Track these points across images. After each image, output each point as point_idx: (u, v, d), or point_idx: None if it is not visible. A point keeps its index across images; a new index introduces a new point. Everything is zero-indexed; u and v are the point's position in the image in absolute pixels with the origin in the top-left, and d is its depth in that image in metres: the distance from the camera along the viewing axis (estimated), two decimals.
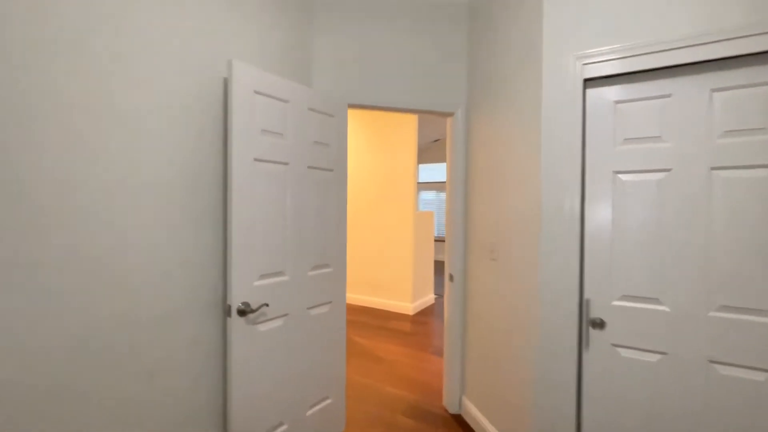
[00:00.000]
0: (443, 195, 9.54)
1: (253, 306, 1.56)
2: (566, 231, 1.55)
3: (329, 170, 1.94)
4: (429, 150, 9.49)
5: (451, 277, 2.32)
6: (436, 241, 9.43)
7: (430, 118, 6.25)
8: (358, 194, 4.90)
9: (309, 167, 1.81)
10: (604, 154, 1.50)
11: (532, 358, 1.64)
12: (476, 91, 2.18)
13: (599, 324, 1.51)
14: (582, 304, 1.54)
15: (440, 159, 9.50)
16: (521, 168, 1.74)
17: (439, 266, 8.49)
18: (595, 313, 1.52)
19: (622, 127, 1.47)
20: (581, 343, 1.55)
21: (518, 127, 1.76)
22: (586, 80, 1.52)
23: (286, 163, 1.70)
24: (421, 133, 7.22)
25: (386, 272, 4.69)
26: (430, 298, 5.01)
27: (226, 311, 1.52)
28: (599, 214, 1.51)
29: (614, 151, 1.48)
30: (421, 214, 4.78)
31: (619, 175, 1.48)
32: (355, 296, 4.93)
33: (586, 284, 1.54)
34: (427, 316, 4.47)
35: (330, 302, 1.96)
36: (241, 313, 1.50)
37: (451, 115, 2.33)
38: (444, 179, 9.48)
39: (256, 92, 1.56)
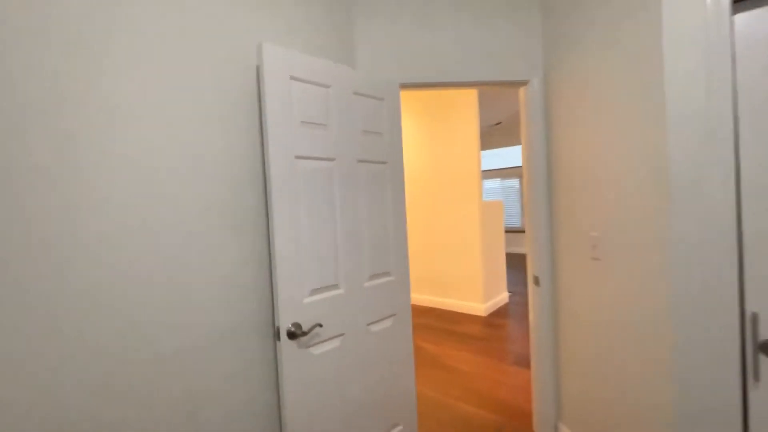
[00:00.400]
0: (510, 182, 8.84)
1: (305, 327, 1.35)
2: (716, 219, 1.10)
3: (382, 163, 1.67)
4: (490, 134, 8.84)
5: (537, 280, 1.93)
6: (506, 232, 8.79)
7: (490, 97, 5.72)
8: (417, 185, 4.59)
9: (359, 161, 1.56)
10: None
11: (666, 390, 1.22)
12: (558, 52, 1.75)
13: None
14: (744, 321, 1.09)
15: (504, 143, 8.80)
16: (635, 138, 1.30)
17: (511, 259, 7.88)
18: (767, 332, 1.06)
19: None
20: (745, 375, 1.10)
21: (627, 84, 1.33)
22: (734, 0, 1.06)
23: (332, 159, 1.46)
24: (481, 116, 6.69)
25: (453, 269, 4.34)
26: (503, 296, 4.55)
27: (275, 334, 1.32)
28: None
29: None
30: (489, 203, 4.33)
31: None
32: (419, 296, 4.65)
33: (750, 292, 1.08)
34: (502, 317, 4.04)
35: (393, 315, 1.70)
36: (292, 335, 1.29)
37: (524, 84, 1.92)
38: (509, 165, 8.76)
39: (293, 78, 1.34)
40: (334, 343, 1.45)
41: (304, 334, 1.30)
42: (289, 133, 1.32)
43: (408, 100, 4.59)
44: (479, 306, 4.13)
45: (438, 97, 4.32)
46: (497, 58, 1.87)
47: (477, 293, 4.15)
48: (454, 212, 4.27)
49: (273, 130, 1.27)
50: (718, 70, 1.08)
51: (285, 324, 1.29)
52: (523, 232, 8.55)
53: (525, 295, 4.85)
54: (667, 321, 1.20)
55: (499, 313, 4.16)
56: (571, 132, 1.67)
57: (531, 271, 1.99)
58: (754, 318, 1.07)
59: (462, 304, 4.27)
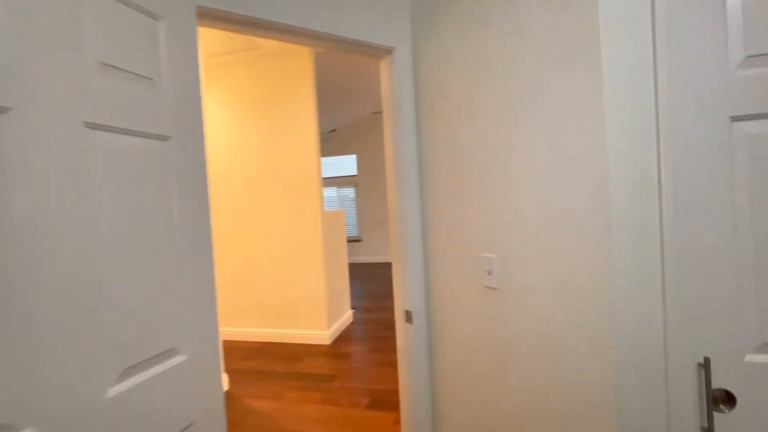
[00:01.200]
0: (346, 191, 8.68)
1: None
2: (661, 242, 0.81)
3: (159, 138, 0.86)
4: (326, 141, 8.51)
5: (409, 316, 1.45)
6: (349, 241, 8.56)
7: (327, 102, 5.31)
8: (240, 191, 3.68)
9: (88, 125, 0.71)
10: (712, 88, 0.80)
11: None
12: (433, 14, 1.33)
13: (725, 400, 0.82)
14: (700, 367, 0.83)
15: (339, 151, 8.60)
16: (567, 136, 0.95)
17: (352, 270, 7.62)
18: (720, 380, 0.82)
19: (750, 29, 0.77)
20: None
21: (561, 63, 0.97)
22: None
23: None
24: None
25: (292, 293, 3.61)
26: (348, 316, 4.10)
27: None
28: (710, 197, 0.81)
29: (730, 78, 0.79)
30: (330, 214, 3.82)
31: (740, 124, 0.80)
32: (249, 331, 3.72)
33: (702, 329, 0.83)
34: (349, 342, 3.55)
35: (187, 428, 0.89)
36: None
37: (389, 53, 1.44)
38: (346, 173, 8.61)
39: None
40: None
41: None
42: None
43: (229, 83, 3.65)
44: (323, 333, 3.54)
45: (271, 87, 3.56)
46: (353, 8, 1.33)
47: (320, 319, 3.55)
48: (292, 225, 3.57)
49: None
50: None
51: None
52: (359, 241, 8.50)
53: (368, 310, 4.54)
54: (607, 363, 0.85)
55: (345, 338, 3.67)
56: (458, 126, 1.26)
57: (399, 304, 1.50)
58: (707, 363, 0.81)
59: (304, 334, 3.58)
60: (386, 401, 2.46)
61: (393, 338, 3.56)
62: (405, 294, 1.46)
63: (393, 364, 2.97)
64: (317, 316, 3.55)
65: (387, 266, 7.63)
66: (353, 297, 5.14)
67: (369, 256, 8.45)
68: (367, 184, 8.43)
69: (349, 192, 8.71)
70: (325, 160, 8.56)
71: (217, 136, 3.70)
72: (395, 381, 2.70)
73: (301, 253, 3.55)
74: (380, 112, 7.09)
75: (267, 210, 3.62)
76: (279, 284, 3.62)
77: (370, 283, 6.11)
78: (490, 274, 1.15)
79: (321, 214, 3.50)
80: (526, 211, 1.02)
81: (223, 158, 3.70)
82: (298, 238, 3.54)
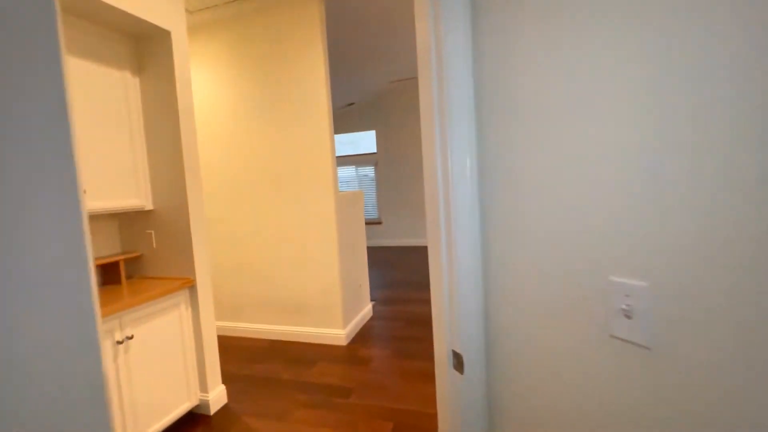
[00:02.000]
0: (365, 170, 8.13)
1: None
2: None
3: None
4: (342, 117, 7.92)
5: (459, 362, 0.92)
6: (368, 224, 8.08)
7: (344, 72, 4.73)
8: (240, 171, 3.20)
9: None
10: None
11: None
12: None
13: None
14: None
15: (357, 127, 8.00)
16: None
17: (371, 255, 7.17)
18: None
19: None
20: None
21: None
22: None
23: None
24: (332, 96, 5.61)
25: (301, 286, 3.16)
26: (367, 311, 3.64)
27: None
28: None
29: None
30: (346, 195, 3.30)
31: None
32: (256, 327, 3.32)
33: None
34: (368, 344, 3.09)
35: None
36: None
37: None
38: (364, 151, 8.03)
39: None
40: None
41: None
42: None
43: (220, 47, 3.11)
44: (339, 333, 3.09)
45: (271, 50, 3.00)
46: None
47: (335, 315, 3.09)
48: (301, 208, 3.08)
49: None
50: None
51: None
52: (379, 223, 8.00)
53: (389, 302, 4.07)
54: None
55: (364, 338, 3.22)
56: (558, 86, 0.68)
57: (441, 338, 0.98)
58: None
59: (316, 333, 3.15)
60: (414, 428, 1.99)
61: (420, 339, 3.08)
62: (450, 325, 0.94)
63: (421, 376, 2.50)
64: (331, 313, 3.09)
65: (409, 251, 7.12)
66: (372, 287, 4.68)
67: (390, 239, 7.96)
68: (387, 162, 7.85)
69: (369, 171, 8.16)
70: (342, 137, 8.00)
71: (210, 110, 3.21)
72: (424, 400, 2.22)
73: (313, 240, 3.07)
74: (403, 80, 6.38)
75: (272, 193, 3.13)
76: (287, 275, 3.18)
77: (392, 270, 5.63)
78: (628, 316, 0.61)
79: (334, 196, 2.98)
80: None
81: (220, 136, 3.21)
82: (309, 222, 3.06)
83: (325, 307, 3.11)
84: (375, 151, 7.95)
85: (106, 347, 1.70)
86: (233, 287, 3.36)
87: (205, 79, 3.21)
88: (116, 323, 1.74)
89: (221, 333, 3.42)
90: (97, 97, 1.90)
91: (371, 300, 3.93)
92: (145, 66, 2.12)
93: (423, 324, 3.40)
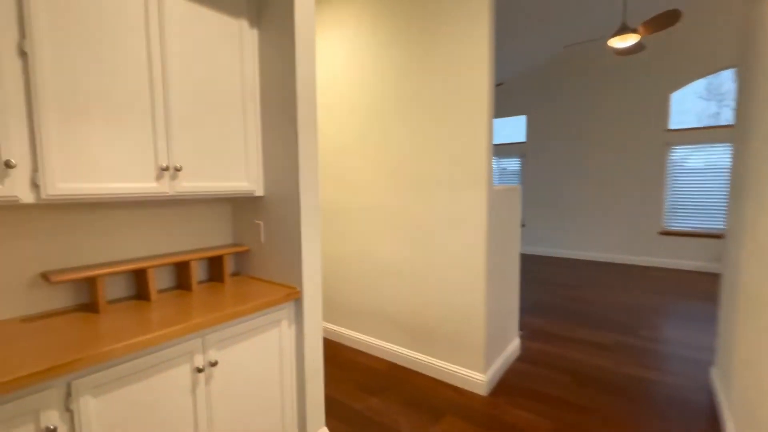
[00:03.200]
0: (509, 163, 6.96)
1: None
2: None
3: None
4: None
5: None
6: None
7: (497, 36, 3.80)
8: (363, 159, 2.63)
9: None
10: None
11: None
12: None
13: None
14: None
15: (503, 112, 6.87)
16: None
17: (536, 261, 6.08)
18: None
19: None
20: None
21: None
22: None
23: None
24: None
25: (432, 303, 2.46)
26: (513, 348, 2.72)
27: None
28: None
29: None
30: (502, 191, 2.43)
31: None
32: (372, 341, 2.77)
33: None
34: (517, 401, 2.20)
35: None
36: None
37: None
38: (509, 140, 6.86)
39: None
40: None
41: None
42: None
43: (365, 19, 2.56)
44: (476, 378, 2.28)
45: (428, 23, 2.31)
46: None
47: (474, 349, 2.29)
48: (443, 204, 2.35)
49: None
50: None
51: None
52: (522, 226, 6.76)
53: (542, 338, 3.04)
54: None
55: (510, 389, 2.33)
56: None
57: None
58: None
59: (448, 369, 2.41)
60: None
61: (594, 411, 2.04)
62: None
63: None
64: (469, 346, 2.30)
65: (560, 264, 5.75)
66: (523, 309, 3.68)
67: (533, 246, 6.66)
68: (537, 154, 6.53)
69: (511, 164, 6.98)
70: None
71: (334, 84, 2.72)
72: None
73: (453, 245, 2.31)
74: (583, 43, 5.01)
75: (402, 183, 2.48)
76: (416, 288, 2.51)
77: (540, 289, 4.49)
78: None
79: (487, 190, 2.16)
80: None
81: (341, 114, 2.71)
82: (449, 221, 2.31)
83: (462, 337, 2.33)
84: (524, 140, 6.71)
85: (182, 375, 1.28)
86: (348, 288, 2.89)
87: (330, 50, 2.75)
88: (198, 344, 1.31)
89: (330, 337, 3.00)
90: (207, 51, 1.51)
91: (519, 332, 2.98)
92: (264, 14, 1.67)
93: (597, 386, 2.32)
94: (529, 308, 3.77)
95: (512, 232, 2.60)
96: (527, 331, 3.20)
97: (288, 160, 1.64)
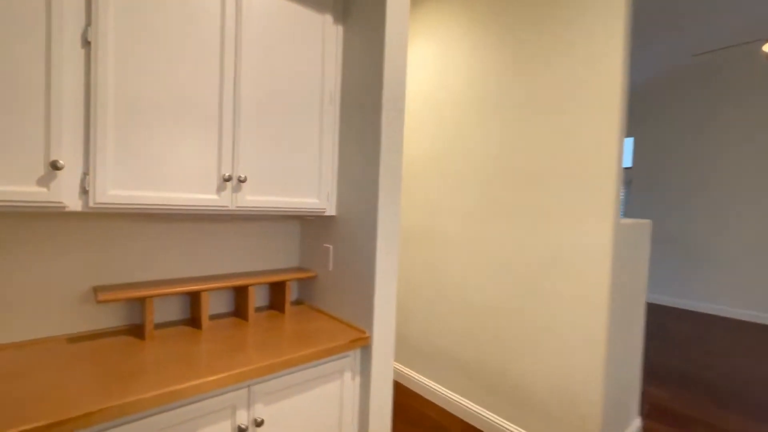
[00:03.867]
0: None
1: None
2: None
3: None
4: None
5: None
6: None
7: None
8: (451, 178, 2.27)
9: None
10: None
11: None
12: None
13: None
14: None
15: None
16: None
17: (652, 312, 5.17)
18: None
19: None
20: None
21: None
22: None
23: None
24: None
25: (527, 364, 1.96)
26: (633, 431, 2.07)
27: None
28: None
29: None
30: (631, 226, 1.89)
31: None
32: (445, 393, 2.32)
33: None
34: None
35: None
36: None
37: None
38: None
39: None
40: None
41: None
42: None
43: (467, 19, 2.28)
44: None
45: (543, 25, 1.96)
46: None
47: (591, 424, 1.74)
48: (551, 238, 1.89)
49: None
50: None
51: None
52: None
53: (671, 421, 2.31)
54: None
55: None
56: None
57: None
58: None
59: None
60: None
61: None
62: None
63: None
64: (575, 428, 1.76)
65: (683, 316, 4.68)
66: (647, 374, 2.93)
67: (650, 292, 5.59)
68: (648, 182, 5.56)
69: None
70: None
71: (423, 92, 2.43)
72: None
73: (567, 290, 1.82)
74: (717, 50, 4.15)
75: (510, 210, 2.07)
76: (511, 337, 2.04)
77: (660, 348, 3.62)
78: None
79: (614, 226, 1.66)
80: None
81: (430, 126, 2.40)
82: (565, 262, 1.83)
83: (566, 411, 1.80)
84: (630, 165, 5.79)
85: None
86: (421, 326, 2.50)
87: (418, 52, 2.48)
88: (243, 396, 1.05)
89: (397, 378, 2.62)
90: (286, 48, 1.33)
91: (640, 413, 2.30)
92: (351, 8, 1.45)
93: None
94: (648, 373, 2.99)
95: (638, 278, 2.01)
96: (650, 408, 2.48)
97: (366, 175, 1.37)
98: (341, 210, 1.49)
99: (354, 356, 1.33)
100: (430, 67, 2.47)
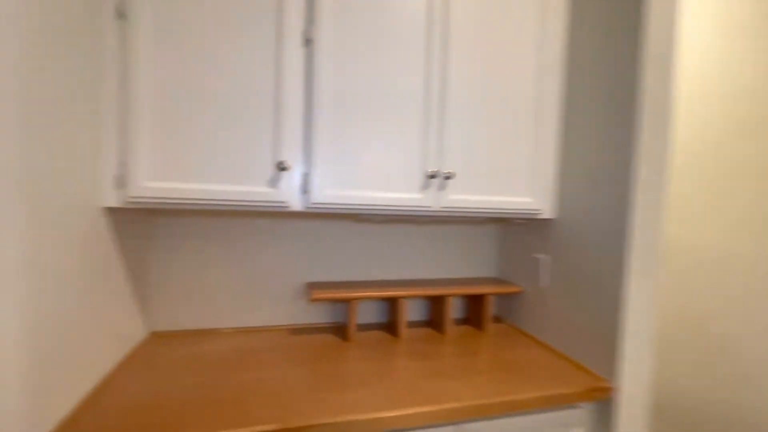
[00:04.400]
0: None
1: None
2: None
3: None
4: None
5: None
6: None
7: None
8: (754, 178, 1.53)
9: None
10: None
11: None
12: None
13: None
14: None
15: None
16: None
17: None
18: None
19: None
20: None
21: None
22: None
23: None
24: None
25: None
26: None
27: None
28: None
29: None
30: None
31: None
32: None
33: None
34: None
35: None
36: None
37: None
38: None
39: None
40: None
41: None
42: None
43: None
44: None
45: None
46: None
47: None
48: None
49: None
50: None
51: None
52: None
53: None
54: None
55: None
56: None
57: None
58: None
59: None
60: None
61: None
62: None
63: None
64: None
65: None
66: None
67: None
68: None
69: None
70: None
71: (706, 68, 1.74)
72: None
73: None
74: None
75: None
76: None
77: None
78: None
79: None
80: None
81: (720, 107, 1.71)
82: None
83: None
84: None
85: None
86: (689, 384, 1.84)
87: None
88: None
89: None
90: (497, 14, 1.09)
91: None
92: None
93: None
94: None
95: None
96: None
97: (609, 167, 0.99)
98: (563, 212, 1.16)
99: (587, 412, 0.99)
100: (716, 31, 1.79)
